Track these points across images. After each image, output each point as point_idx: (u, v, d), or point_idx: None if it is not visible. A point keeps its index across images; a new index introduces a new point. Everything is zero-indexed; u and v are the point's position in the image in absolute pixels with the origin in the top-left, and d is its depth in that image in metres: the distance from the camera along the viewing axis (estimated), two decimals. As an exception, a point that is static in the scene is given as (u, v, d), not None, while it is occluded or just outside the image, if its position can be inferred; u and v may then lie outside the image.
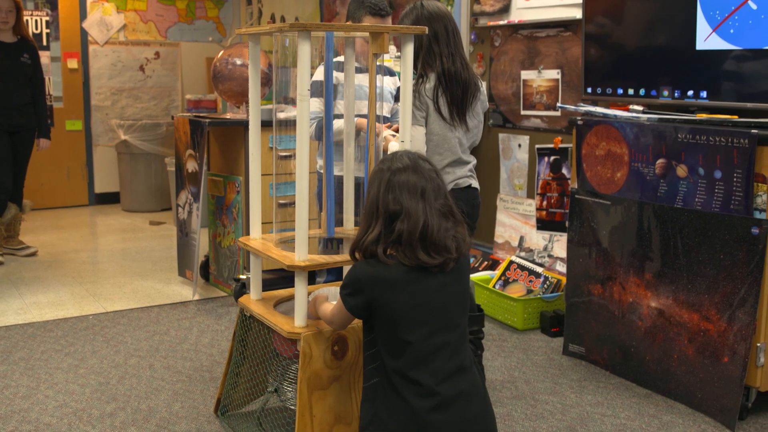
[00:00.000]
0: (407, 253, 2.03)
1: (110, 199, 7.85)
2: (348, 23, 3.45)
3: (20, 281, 5.02)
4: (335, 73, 3.43)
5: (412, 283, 2.03)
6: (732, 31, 3.35)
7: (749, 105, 3.30)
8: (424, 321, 2.03)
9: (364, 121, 3.25)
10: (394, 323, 2.03)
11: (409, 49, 2.65)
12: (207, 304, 4.56)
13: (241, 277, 4.44)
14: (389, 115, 3.70)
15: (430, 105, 3.03)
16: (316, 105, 3.42)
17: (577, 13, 4.23)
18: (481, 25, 4.98)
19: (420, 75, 3.08)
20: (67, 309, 4.44)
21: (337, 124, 3.25)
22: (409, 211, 2.02)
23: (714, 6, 3.40)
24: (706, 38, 3.44)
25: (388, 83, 3.76)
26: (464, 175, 3.15)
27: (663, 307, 3.32)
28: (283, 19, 7.42)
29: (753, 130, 2.98)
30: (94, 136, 7.80)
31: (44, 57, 7.10)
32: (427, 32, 2.87)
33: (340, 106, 3.43)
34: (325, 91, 2.78)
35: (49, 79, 7.25)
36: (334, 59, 3.49)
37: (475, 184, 3.20)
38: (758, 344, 3.03)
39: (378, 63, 3.44)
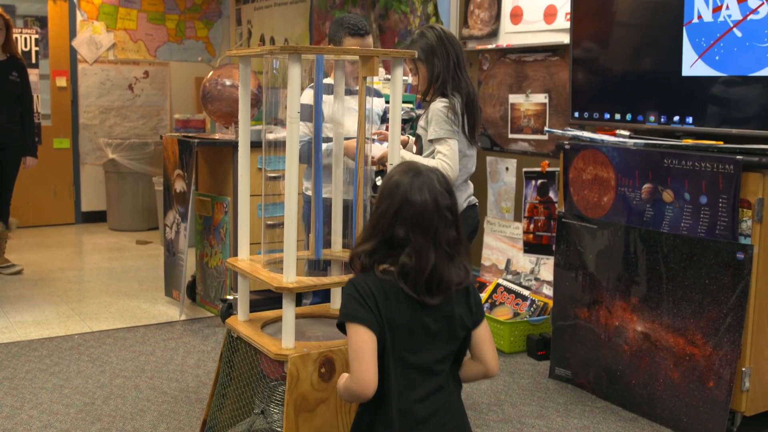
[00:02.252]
0: (409, 286, 1.94)
1: (97, 217, 7.83)
2: (338, 46, 3.47)
3: (5, 300, 4.99)
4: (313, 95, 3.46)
5: (406, 307, 1.96)
6: (717, 57, 3.39)
7: (734, 131, 3.33)
8: (412, 344, 2.01)
9: (349, 143, 3.27)
10: (383, 340, 1.96)
11: (399, 73, 2.67)
12: (193, 324, 4.54)
13: (228, 297, 4.44)
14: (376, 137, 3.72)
15: (459, 123, 3.15)
16: (303, 128, 3.43)
17: (565, 39, 4.27)
18: (470, 48, 5.01)
19: (446, 95, 3.16)
20: (53, 328, 4.42)
21: (325, 147, 3.27)
22: (420, 250, 1.92)
23: (700, 33, 3.44)
24: (692, 65, 3.48)
25: (375, 105, 3.78)
26: (472, 193, 3.32)
27: (649, 331, 3.34)
28: (272, 40, 7.45)
29: (738, 156, 3.01)
30: (81, 155, 7.79)
31: (33, 75, 7.10)
32: (417, 55, 2.92)
33: (306, 129, 3.46)
34: (315, 113, 2.79)
35: (37, 96, 7.25)
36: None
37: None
38: (743, 369, 3.04)
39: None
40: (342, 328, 1.96)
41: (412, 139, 3.39)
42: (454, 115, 3.12)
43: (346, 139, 3.27)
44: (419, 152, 3.25)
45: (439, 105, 3.12)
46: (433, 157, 3.14)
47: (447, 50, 3.18)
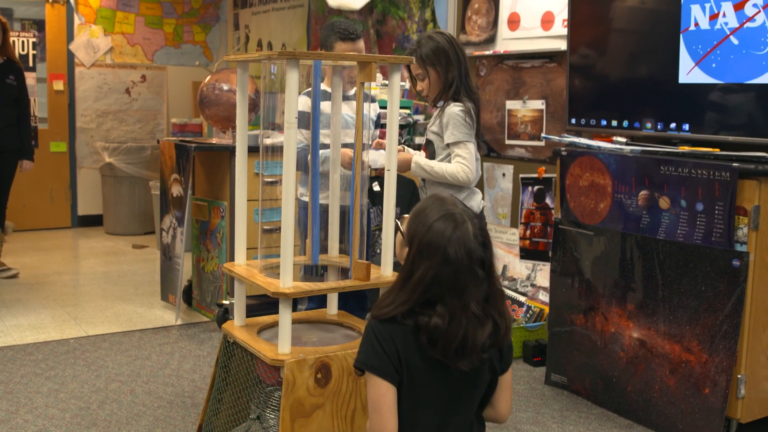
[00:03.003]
0: (438, 352, 1.90)
1: (93, 221, 7.82)
2: (329, 51, 3.48)
3: (1, 303, 4.98)
4: (307, 101, 3.45)
5: (431, 358, 1.92)
6: (714, 65, 3.40)
7: (730, 138, 3.34)
8: (437, 388, 1.95)
9: (345, 153, 3.25)
10: (404, 386, 1.94)
11: (397, 78, 2.68)
12: (189, 329, 4.54)
13: (224, 302, 4.43)
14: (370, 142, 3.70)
15: (474, 128, 3.17)
16: (297, 135, 3.41)
17: (562, 45, 4.28)
18: (467, 54, 5.02)
19: (459, 99, 3.17)
20: (48, 332, 4.41)
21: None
22: (453, 314, 1.89)
23: (696, 40, 3.45)
24: (689, 72, 3.49)
25: (369, 110, 3.76)
26: (482, 199, 3.32)
27: (645, 338, 3.34)
28: (270, 45, 7.46)
29: (734, 164, 3.02)
30: (78, 158, 7.79)
31: (30, 78, 7.10)
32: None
33: (301, 136, 3.45)
34: (312, 119, 2.80)
35: (34, 100, 7.24)
36: (309, 89, 3.52)
37: None
38: (739, 376, 3.05)
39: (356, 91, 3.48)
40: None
41: (412, 151, 3.38)
42: (471, 119, 3.14)
43: (343, 145, 3.27)
44: (429, 158, 3.25)
45: (455, 109, 3.14)
46: (449, 161, 3.15)
47: (459, 55, 3.21)
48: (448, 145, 3.17)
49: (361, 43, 3.53)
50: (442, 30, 3.32)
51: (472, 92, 3.24)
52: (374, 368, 1.93)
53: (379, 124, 3.82)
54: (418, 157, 3.26)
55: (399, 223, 2.16)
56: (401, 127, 4.23)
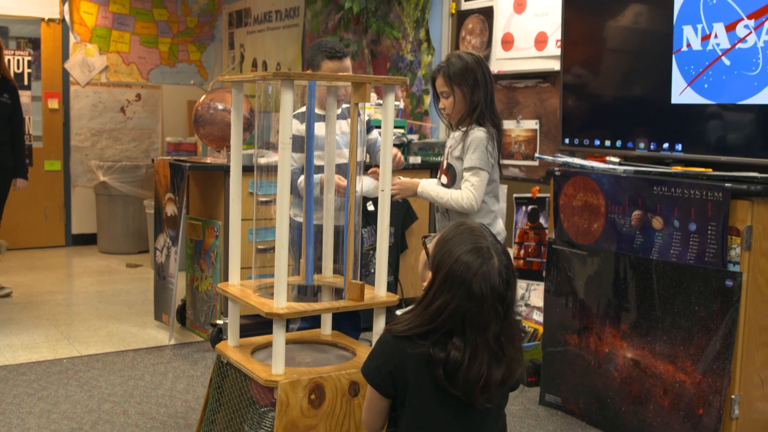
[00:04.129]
0: (457, 386, 1.91)
1: (87, 240, 7.80)
2: (316, 70, 3.48)
3: (-6, 323, 4.97)
4: (297, 125, 3.45)
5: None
6: (706, 85, 3.42)
7: (723, 158, 3.36)
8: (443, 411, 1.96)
9: (338, 181, 3.22)
10: (418, 416, 1.96)
11: (391, 99, 2.69)
12: (183, 349, 4.53)
13: (218, 322, 4.42)
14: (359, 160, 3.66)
15: (495, 156, 3.13)
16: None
17: (556, 65, 4.30)
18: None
19: (483, 124, 3.13)
20: (41, 352, 4.40)
21: (300, 179, 3.23)
22: (474, 351, 1.89)
23: (689, 61, 3.47)
24: (681, 92, 3.51)
25: (346, 127, 3.70)
26: (503, 229, 3.30)
27: (639, 358, 3.34)
28: (264, 65, 7.48)
29: (727, 184, 3.03)
30: (72, 177, 7.78)
31: (25, 96, 7.11)
32: (407, 83, 2.93)
33: (293, 160, 3.41)
34: (307, 138, 2.80)
35: (29, 118, 7.24)
36: (299, 111, 3.52)
37: None
38: (733, 396, 3.05)
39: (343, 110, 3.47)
40: None
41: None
42: (492, 146, 3.09)
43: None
44: (451, 183, 3.18)
45: (480, 134, 3.08)
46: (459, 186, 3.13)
47: (486, 78, 3.15)
48: (465, 169, 3.11)
49: (347, 62, 3.52)
50: (471, 51, 3.28)
51: (496, 117, 3.18)
52: (374, 383, 2.01)
53: (370, 127, 3.80)
54: (425, 182, 3.22)
55: (426, 242, 2.13)
56: (395, 146, 4.21)
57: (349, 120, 3.59)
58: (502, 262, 1.93)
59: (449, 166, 3.20)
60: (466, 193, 3.06)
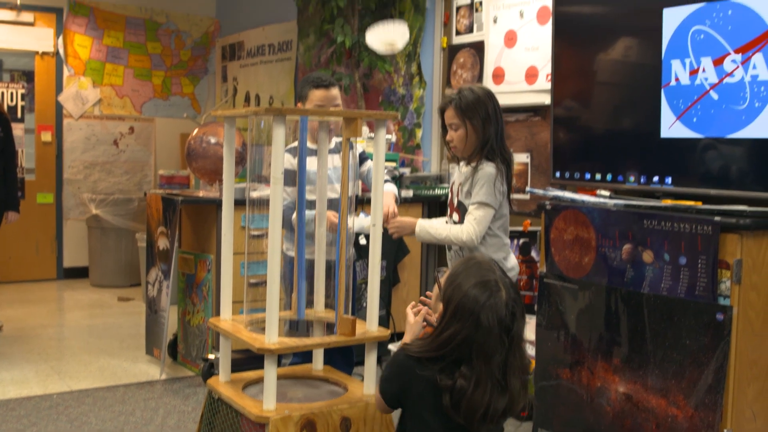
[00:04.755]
0: (460, 414, 2.03)
1: (79, 273, 7.78)
2: (304, 101, 3.50)
3: (-16, 357, 4.94)
4: (290, 159, 3.46)
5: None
6: (695, 119, 3.45)
7: (713, 191, 3.38)
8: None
9: (330, 217, 3.22)
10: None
11: (382, 134, 2.70)
12: (174, 383, 4.50)
13: (210, 356, 4.40)
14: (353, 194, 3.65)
15: (503, 192, 3.13)
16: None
17: (546, 99, 4.34)
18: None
19: (492, 160, 3.12)
20: (31, 387, 4.37)
21: (294, 216, 3.23)
22: (479, 380, 2.02)
23: (677, 95, 3.51)
24: (671, 126, 3.54)
25: (339, 161, 3.71)
26: (516, 265, 3.33)
27: (631, 392, 3.34)
28: (257, 98, 7.52)
29: (716, 218, 3.04)
30: (65, 210, 7.78)
31: (18, 129, 7.12)
32: (398, 118, 2.94)
33: (286, 194, 3.41)
34: (299, 172, 2.82)
35: (22, 151, 7.25)
36: (291, 145, 3.53)
37: None
38: (725, 430, 3.04)
39: (334, 146, 3.48)
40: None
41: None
42: (501, 182, 3.09)
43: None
44: (463, 221, 3.15)
45: (490, 170, 3.08)
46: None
47: (497, 113, 3.15)
48: (471, 203, 3.11)
49: (334, 91, 3.53)
50: (482, 85, 3.27)
51: (506, 152, 3.17)
52: (382, 390, 2.22)
53: (363, 159, 3.80)
54: (423, 221, 3.21)
55: (438, 276, 2.26)
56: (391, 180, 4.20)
57: (339, 155, 3.61)
58: (509, 296, 2.07)
59: (459, 203, 3.19)
60: (467, 227, 3.06)
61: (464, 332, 2.02)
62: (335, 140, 3.64)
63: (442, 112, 3.20)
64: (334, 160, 3.54)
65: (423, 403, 2.09)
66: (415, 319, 2.42)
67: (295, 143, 3.47)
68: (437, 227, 3.16)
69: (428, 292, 2.46)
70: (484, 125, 3.11)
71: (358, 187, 3.74)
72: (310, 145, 3.44)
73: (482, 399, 1.99)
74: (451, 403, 2.01)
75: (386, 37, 3.17)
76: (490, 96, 3.16)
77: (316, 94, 3.48)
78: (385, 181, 3.53)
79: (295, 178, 3.22)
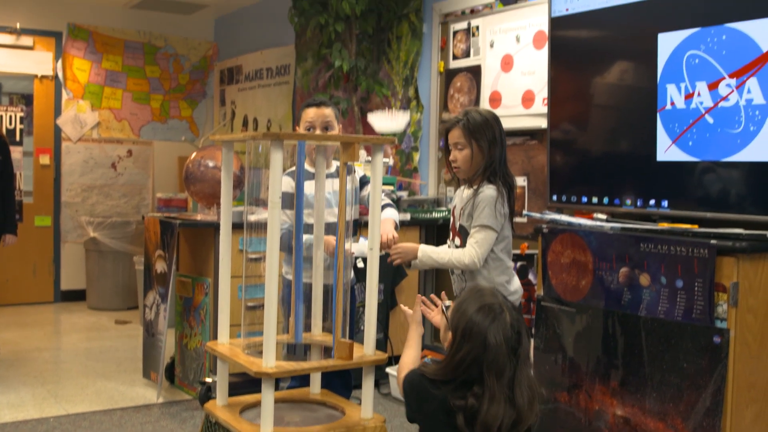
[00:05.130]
0: (472, 429, 2.14)
1: (76, 296, 7.76)
2: (299, 121, 3.53)
3: (-20, 381, 4.92)
4: (291, 182, 3.47)
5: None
6: (691, 143, 3.47)
7: (708, 215, 3.40)
8: None
9: (329, 240, 3.23)
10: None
11: (379, 158, 2.72)
12: (171, 407, 4.49)
13: (207, 380, 4.39)
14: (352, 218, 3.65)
15: (504, 215, 3.14)
16: (282, 216, 3.37)
17: (543, 123, 4.36)
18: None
19: (494, 182, 3.13)
20: (27, 410, 4.35)
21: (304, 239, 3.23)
22: (492, 397, 2.12)
23: (673, 119, 3.53)
24: (666, 149, 3.56)
25: (348, 183, 3.71)
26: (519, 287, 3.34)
27: (629, 416, 3.33)
28: (255, 121, 7.55)
29: (712, 241, 3.06)
30: (62, 233, 7.78)
31: (17, 152, 7.14)
32: (395, 142, 2.95)
33: (285, 216, 3.41)
34: (296, 197, 2.83)
35: (20, 174, 7.27)
36: (291, 169, 3.54)
37: None
38: (723, 454, 3.04)
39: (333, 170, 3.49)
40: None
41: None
42: (503, 204, 3.11)
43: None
44: (465, 244, 3.16)
45: (491, 192, 3.10)
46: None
47: (502, 137, 3.18)
48: (472, 226, 3.11)
49: (326, 110, 3.52)
50: (489, 108, 3.31)
51: (509, 176, 3.19)
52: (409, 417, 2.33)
53: (364, 183, 3.80)
54: (425, 247, 3.20)
55: (444, 311, 2.45)
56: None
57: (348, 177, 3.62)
58: (513, 317, 2.21)
59: (461, 226, 3.19)
60: (469, 249, 3.06)
61: (474, 352, 2.14)
62: (336, 164, 3.65)
63: (446, 132, 3.22)
64: (335, 184, 3.55)
65: (436, 422, 2.19)
66: (414, 308, 2.66)
67: (293, 168, 3.48)
68: (439, 252, 3.16)
69: (432, 295, 2.68)
70: (489, 147, 3.14)
71: (358, 211, 3.74)
72: (310, 168, 3.46)
73: (496, 415, 2.10)
74: (466, 422, 2.11)
75: (387, 124, 3.26)
76: (496, 119, 3.19)
77: (307, 112, 3.50)
78: (387, 205, 3.54)
79: (294, 201, 3.23)
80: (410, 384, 2.28)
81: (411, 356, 2.56)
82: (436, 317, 2.62)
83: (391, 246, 3.22)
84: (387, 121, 3.25)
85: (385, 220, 3.36)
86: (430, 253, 3.16)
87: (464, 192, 3.24)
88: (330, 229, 3.31)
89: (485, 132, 3.13)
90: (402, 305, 2.82)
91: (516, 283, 3.23)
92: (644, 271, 3.28)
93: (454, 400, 2.14)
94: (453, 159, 3.20)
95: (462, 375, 2.16)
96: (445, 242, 3.38)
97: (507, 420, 2.12)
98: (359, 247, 3.40)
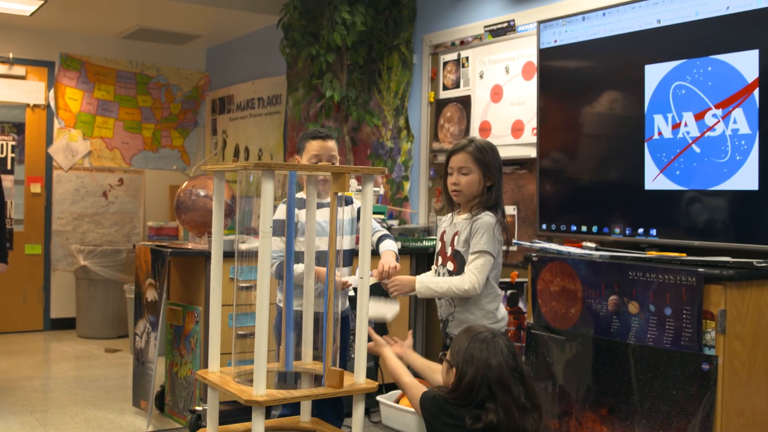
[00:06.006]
0: None
1: (66, 324, 7.73)
2: (305, 161, 3.54)
3: (-32, 410, 4.89)
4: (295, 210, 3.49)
5: None
6: (678, 172, 3.52)
7: (696, 243, 3.43)
8: None
9: (322, 270, 3.24)
10: None
11: (370, 188, 2.74)
12: (161, 435, 4.48)
13: (197, 408, 4.38)
14: (348, 248, 3.68)
15: (502, 241, 3.19)
16: (278, 244, 3.41)
17: (532, 153, 4.40)
18: (440, 161, 5.14)
19: (492, 210, 3.17)
20: (16, 440, 4.33)
21: (298, 269, 3.25)
22: (507, 408, 2.36)
23: (660, 149, 3.58)
24: (654, 179, 3.60)
25: (345, 214, 3.74)
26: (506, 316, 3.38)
27: (619, 443, 3.34)
28: (247, 150, 7.58)
29: (700, 269, 3.09)
30: (53, 261, 7.77)
31: (8, 181, 7.14)
32: (386, 172, 2.98)
33: (300, 244, 3.44)
34: (287, 226, 2.85)
35: (11, 202, 7.27)
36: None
37: None
38: (713, 482, 3.04)
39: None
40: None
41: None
42: (500, 232, 3.14)
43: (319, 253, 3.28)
44: (458, 270, 3.19)
45: (489, 219, 3.13)
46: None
47: (500, 166, 3.23)
48: (471, 252, 3.14)
49: (330, 142, 3.57)
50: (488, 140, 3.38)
51: (502, 203, 3.24)
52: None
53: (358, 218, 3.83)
54: (422, 277, 3.21)
55: (443, 358, 2.66)
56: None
57: (347, 207, 3.65)
58: (504, 341, 2.48)
59: (456, 252, 3.20)
60: (468, 276, 3.08)
61: (480, 373, 2.37)
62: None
63: (450, 155, 3.25)
64: (341, 213, 3.58)
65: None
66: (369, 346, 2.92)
67: (299, 194, 3.49)
68: (437, 281, 3.16)
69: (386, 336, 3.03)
70: (492, 176, 3.19)
71: (355, 241, 3.76)
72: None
73: (515, 423, 2.33)
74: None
75: (378, 311, 3.35)
76: (495, 150, 3.26)
77: (312, 144, 3.52)
78: (386, 236, 3.57)
79: (292, 228, 3.25)
80: (433, 400, 2.48)
81: (409, 376, 2.76)
82: (381, 349, 2.97)
83: (391, 276, 3.24)
84: (380, 307, 3.34)
85: (386, 252, 3.42)
86: (428, 284, 3.17)
87: (455, 218, 3.27)
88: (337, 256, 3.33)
89: (493, 159, 3.20)
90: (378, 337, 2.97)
91: (503, 311, 3.25)
92: (633, 299, 3.30)
93: (473, 424, 2.34)
94: (455, 182, 3.22)
95: (475, 397, 2.37)
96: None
97: (527, 424, 2.36)
98: (355, 278, 3.41)
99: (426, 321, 5.40)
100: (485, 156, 3.18)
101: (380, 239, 3.59)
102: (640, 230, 3.66)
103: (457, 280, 3.10)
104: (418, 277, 3.22)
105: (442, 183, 3.33)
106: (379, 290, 3.23)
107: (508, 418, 2.34)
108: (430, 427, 2.49)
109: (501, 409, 2.35)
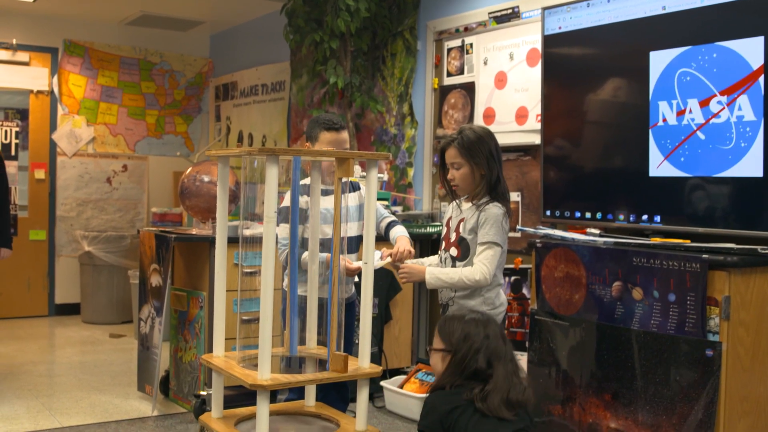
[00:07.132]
0: (489, 408, 2.46)
1: (71, 310, 7.76)
2: (315, 149, 3.54)
3: (-26, 395, 4.92)
4: (303, 198, 3.49)
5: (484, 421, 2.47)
6: (683, 159, 3.51)
7: (701, 230, 3.43)
8: None
9: (329, 256, 3.24)
10: None
11: (374, 174, 2.75)
12: (166, 420, 4.49)
13: (202, 393, 4.40)
14: (357, 234, 3.68)
15: (507, 231, 3.20)
16: (286, 231, 3.37)
17: (536, 139, 4.40)
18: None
19: (497, 200, 3.17)
20: (22, 423, 4.35)
21: (304, 256, 3.25)
22: (498, 377, 2.50)
23: (665, 135, 3.57)
24: (659, 165, 3.60)
25: (353, 200, 3.75)
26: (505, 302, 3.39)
27: (622, 428, 3.35)
28: (250, 137, 7.58)
29: (704, 255, 3.09)
30: (57, 247, 7.78)
31: (12, 166, 7.14)
32: (390, 158, 2.98)
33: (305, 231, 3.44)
34: (291, 211, 2.85)
35: (15, 188, 7.28)
36: (301, 182, 3.57)
37: None
38: (715, 467, 3.06)
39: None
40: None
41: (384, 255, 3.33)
42: (507, 222, 3.15)
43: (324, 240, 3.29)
44: (462, 257, 3.19)
45: (497, 210, 3.12)
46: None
47: (499, 153, 3.21)
48: (480, 243, 3.13)
49: (344, 134, 3.58)
50: (483, 125, 3.35)
51: (506, 190, 3.22)
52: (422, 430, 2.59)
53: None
54: (432, 268, 3.18)
55: (431, 349, 2.75)
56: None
57: (355, 193, 3.66)
58: (495, 324, 2.67)
59: (462, 239, 3.20)
60: (480, 267, 3.08)
61: (476, 345, 2.53)
62: (358, 170, 3.70)
63: (442, 151, 3.25)
64: (352, 198, 3.59)
65: (464, 425, 2.46)
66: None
67: (304, 181, 3.49)
68: (447, 272, 3.15)
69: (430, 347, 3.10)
70: (488, 163, 3.16)
71: (362, 228, 3.77)
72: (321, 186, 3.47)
73: (507, 386, 2.48)
74: (483, 401, 2.45)
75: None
76: (490, 135, 3.22)
77: (326, 136, 3.50)
78: (395, 222, 3.59)
79: (303, 215, 3.27)
80: (431, 404, 2.55)
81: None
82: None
83: (404, 259, 3.26)
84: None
85: (401, 237, 3.48)
86: (438, 275, 3.15)
87: (463, 204, 3.26)
88: (343, 242, 3.34)
89: (481, 149, 3.15)
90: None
91: (502, 297, 3.25)
92: (637, 286, 3.31)
93: (474, 393, 2.47)
94: (451, 178, 3.23)
95: (469, 368, 2.51)
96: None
97: (514, 395, 2.48)
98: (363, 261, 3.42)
99: (430, 305, 5.41)
100: (471, 147, 3.15)
101: (389, 225, 3.60)
102: (645, 217, 3.66)
103: (467, 271, 3.10)
104: (428, 268, 3.19)
105: (442, 177, 3.33)
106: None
107: (503, 382, 2.48)
108: (425, 421, 2.57)
109: (497, 375, 2.49)
